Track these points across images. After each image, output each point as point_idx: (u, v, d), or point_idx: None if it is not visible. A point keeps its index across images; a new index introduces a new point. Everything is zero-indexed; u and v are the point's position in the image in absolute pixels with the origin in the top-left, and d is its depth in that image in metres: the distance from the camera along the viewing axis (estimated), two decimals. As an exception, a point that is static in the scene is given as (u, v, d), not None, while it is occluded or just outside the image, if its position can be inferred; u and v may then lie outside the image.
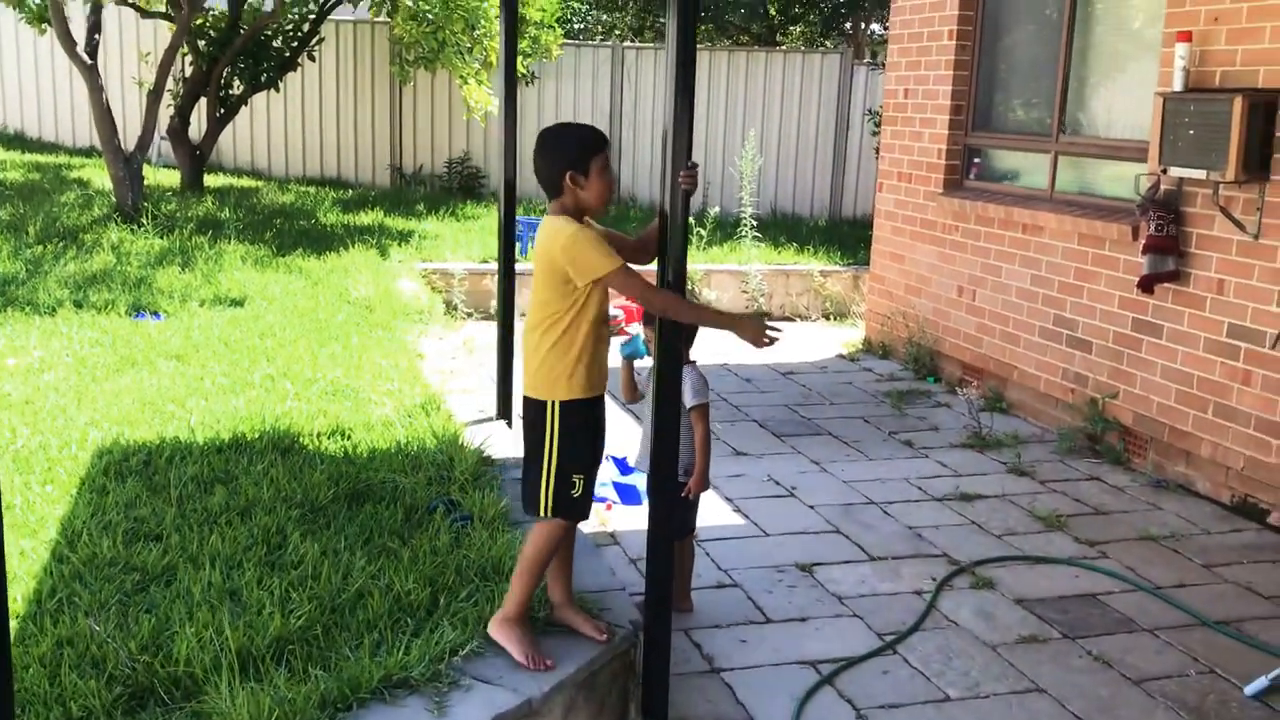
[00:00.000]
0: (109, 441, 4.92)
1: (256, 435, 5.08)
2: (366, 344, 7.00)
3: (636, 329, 3.88)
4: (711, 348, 8.93)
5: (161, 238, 9.31)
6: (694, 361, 4.25)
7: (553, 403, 3.45)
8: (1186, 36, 5.87)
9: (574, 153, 3.40)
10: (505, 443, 5.47)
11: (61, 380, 5.84)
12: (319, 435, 5.18)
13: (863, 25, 16.57)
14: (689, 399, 4.09)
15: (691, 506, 4.32)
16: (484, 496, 4.42)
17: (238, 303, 7.76)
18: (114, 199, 9.97)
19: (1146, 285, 6.16)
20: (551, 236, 3.37)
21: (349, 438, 5.17)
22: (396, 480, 4.59)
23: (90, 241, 8.95)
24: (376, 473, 4.67)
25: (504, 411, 6.03)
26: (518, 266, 9.62)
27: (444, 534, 4.08)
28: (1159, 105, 5.90)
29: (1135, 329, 6.40)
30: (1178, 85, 5.89)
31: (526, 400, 3.54)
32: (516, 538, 4.02)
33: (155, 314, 7.36)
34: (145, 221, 9.50)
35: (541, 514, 3.49)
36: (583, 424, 3.49)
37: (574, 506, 3.50)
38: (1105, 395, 6.59)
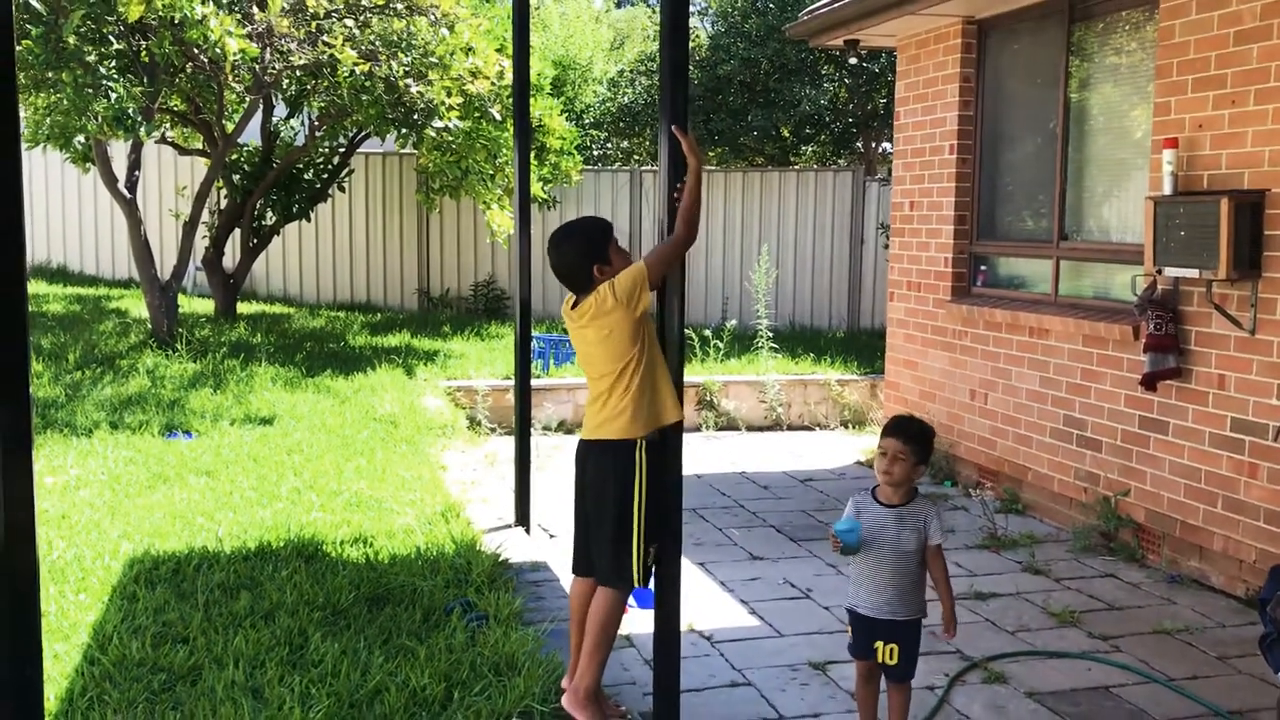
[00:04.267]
0: (140, 552, 5.10)
1: (281, 544, 5.24)
2: (390, 458, 7.19)
3: (849, 520, 3.95)
4: (729, 457, 9.08)
5: (195, 362, 9.63)
6: (929, 497, 4.15)
7: (640, 441, 3.64)
8: (1173, 143, 6.12)
9: (592, 247, 3.75)
10: (522, 547, 5.61)
11: (96, 496, 6.05)
12: (342, 543, 5.34)
13: (873, 143, 17.05)
14: (937, 536, 3.90)
15: (919, 645, 4.08)
16: (499, 597, 4.55)
17: (267, 421, 8.00)
18: (150, 326, 10.34)
19: (1149, 383, 6.29)
20: (595, 297, 3.65)
21: (371, 544, 5.32)
22: (415, 583, 4.72)
23: (126, 367, 9.28)
24: (396, 577, 4.81)
25: (522, 518, 6.18)
26: (536, 382, 9.98)
27: (460, 633, 4.20)
28: (1150, 209, 6.11)
29: (1142, 426, 6.51)
30: (1167, 189, 6.11)
31: (603, 446, 3.69)
32: (529, 635, 4.14)
33: (187, 433, 7.60)
34: (180, 347, 9.84)
35: (636, 582, 3.63)
36: (656, 467, 3.68)
37: (648, 573, 3.68)
38: (1117, 493, 6.66)
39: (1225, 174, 5.89)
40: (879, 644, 3.88)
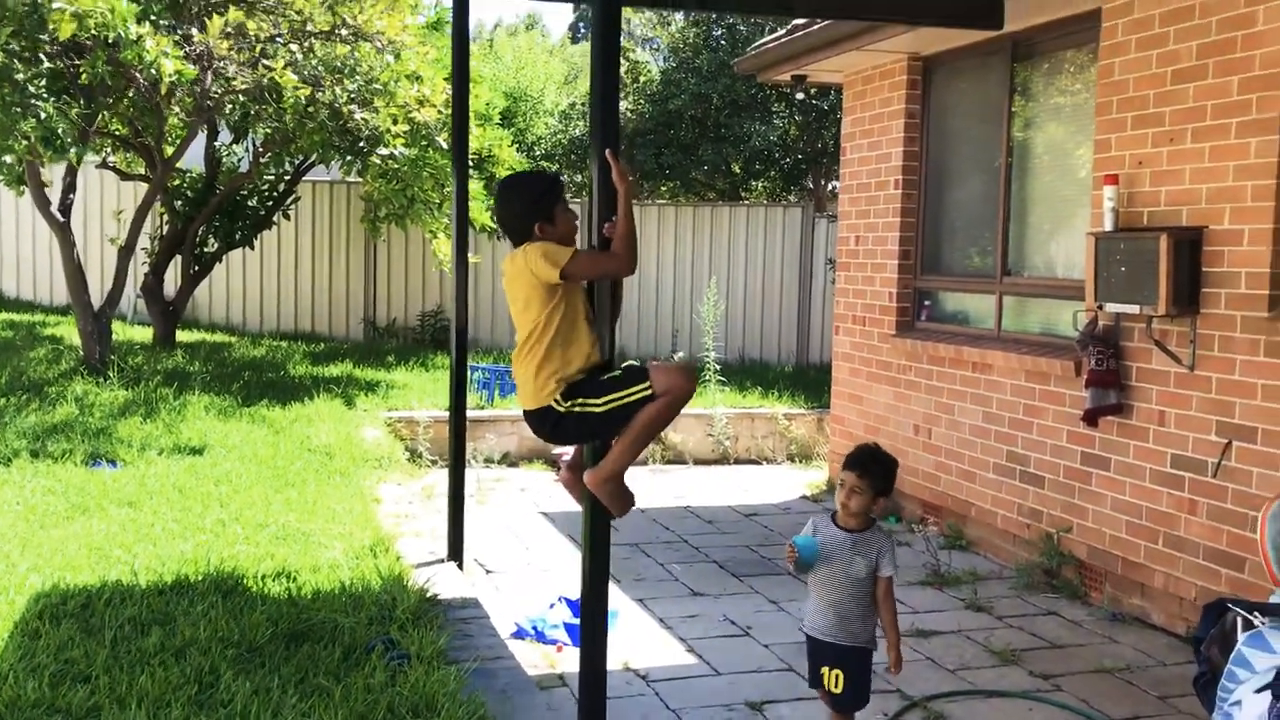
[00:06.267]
0: (48, 586, 4.88)
1: (200, 578, 5.05)
2: (323, 490, 7.00)
3: (807, 537, 3.95)
4: (674, 491, 8.96)
5: (127, 390, 9.37)
6: (885, 529, 4.13)
7: (558, 404, 3.55)
8: (1114, 180, 6.13)
9: (537, 204, 3.66)
10: (453, 583, 5.44)
11: (8, 528, 5.81)
12: (264, 577, 5.15)
13: (823, 180, 17.13)
14: (887, 569, 3.96)
15: (869, 677, 4.08)
16: (423, 635, 4.39)
17: (197, 451, 7.78)
18: (82, 354, 10.07)
19: (1090, 419, 6.26)
20: (521, 255, 3.58)
21: (294, 579, 5.14)
22: (337, 620, 4.55)
23: (54, 394, 9.01)
24: (318, 613, 4.63)
25: (455, 553, 6.01)
26: (479, 413, 9.81)
27: (379, 672, 4.03)
28: (1091, 245, 6.11)
29: (1084, 463, 6.47)
30: (1108, 225, 6.11)
31: (532, 415, 3.63)
32: (451, 674, 3.98)
33: (112, 463, 7.37)
34: (112, 375, 9.58)
35: (653, 393, 3.53)
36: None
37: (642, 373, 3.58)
38: (1060, 529, 6.61)
39: (1165, 210, 5.90)
40: (824, 669, 3.97)
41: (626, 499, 3.69)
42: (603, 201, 3.56)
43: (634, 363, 3.66)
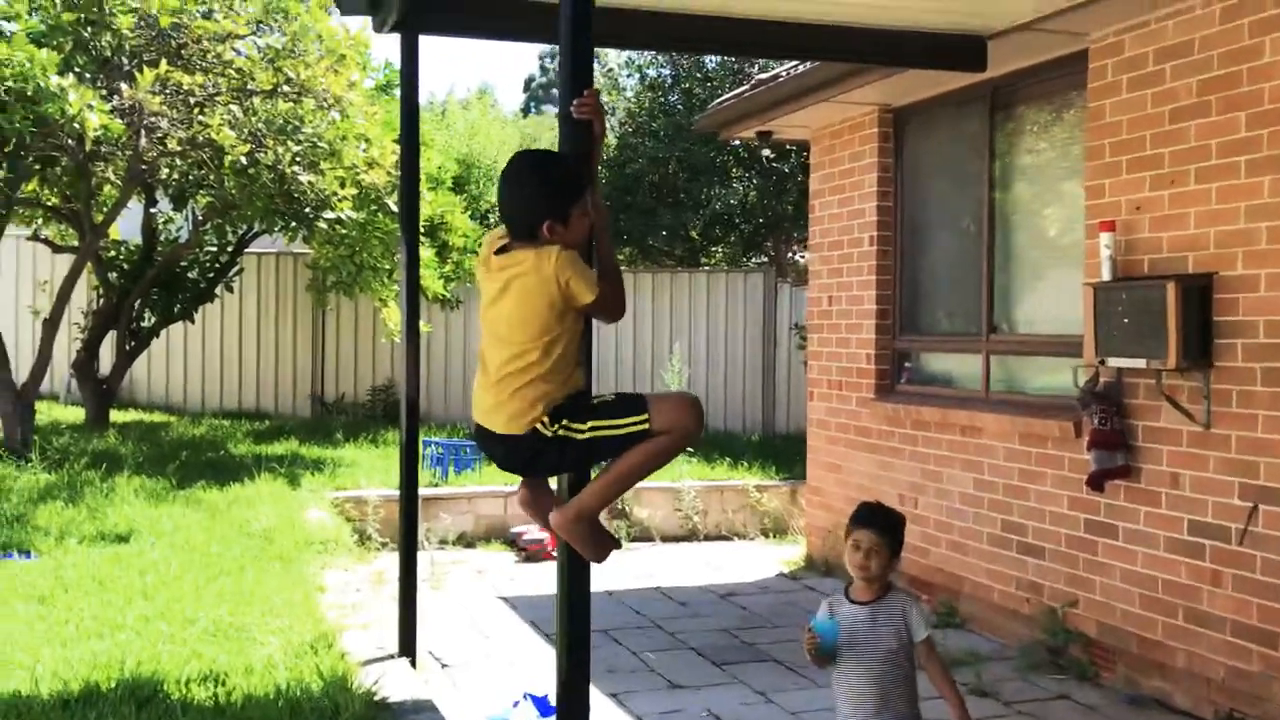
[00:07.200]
0: (-69, 701, 4.22)
1: (113, 685, 4.40)
2: (261, 578, 6.37)
3: (824, 619, 3.56)
4: (644, 570, 8.38)
5: (50, 473, 8.67)
6: (914, 594, 3.81)
7: (545, 424, 2.98)
8: (1110, 226, 5.75)
9: (557, 197, 2.98)
10: (405, 682, 4.84)
11: (-105, 632, 5.12)
12: (188, 681, 4.52)
13: (783, 245, 16.82)
14: (921, 630, 3.60)
15: None
16: (369, 748, 3.78)
17: (123, 538, 7.11)
18: (2, 435, 9.36)
19: (1096, 483, 5.80)
20: (540, 259, 2.92)
21: (223, 683, 4.51)
22: (270, 732, 3.93)
23: (-32, 479, 8.30)
24: (247, 724, 4.01)
25: (407, 648, 5.39)
26: (432, 491, 9.20)
27: (316, 797, 3.42)
28: (1089, 295, 5.71)
29: (1089, 530, 6.00)
30: (1106, 275, 5.72)
31: (513, 441, 3.02)
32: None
33: (26, 553, 6.68)
34: (34, 457, 8.88)
35: (650, 428, 2.98)
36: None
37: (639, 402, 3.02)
38: (1064, 604, 6.12)
39: (1168, 257, 5.52)
40: None
41: (604, 542, 3.08)
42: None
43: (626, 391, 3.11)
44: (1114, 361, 5.59)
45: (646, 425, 2.96)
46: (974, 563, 6.88)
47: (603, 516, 3.11)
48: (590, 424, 2.97)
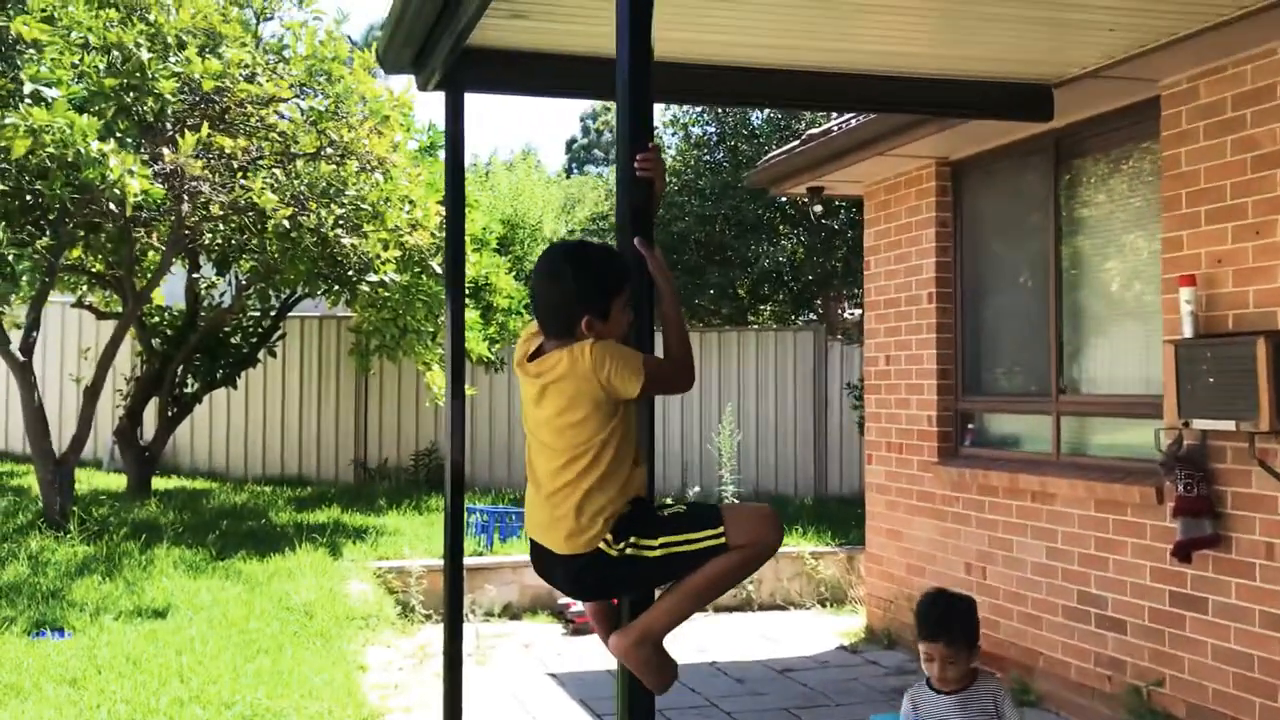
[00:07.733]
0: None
1: (141, 780, 4.15)
2: (301, 656, 6.11)
3: (907, 713, 3.51)
4: (695, 643, 8.03)
5: (88, 544, 8.49)
6: (999, 678, 3.75)
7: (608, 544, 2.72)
8: (1190, 280, 5.43)
9: (597, 291, 2.74)
10: (449, 775, 4.53)
11: (-80, 718, 4.91)
12: (220, 776, 4.25)
13: (833, 302, 16.52)
14: (1014, 716, 3.54)
15: None
16: None
17: (160, 614, 6.89)
18: (41, 505, 9.22)
19: (1183, 553, 5.42)
20: (574, 359, 2.67)
21: (257, 778, 4.24)
22: (304, 836, 3.65)
23: (5, 552, 8.13)
24: (281, 826, 3.73)
25: (452, 733, 5.09)
26: (477, 560, 8.93)
27: None
28: (1170, 353, 5.38)
29: (1174, 604, 5.62)
30: (1188, 331, 5.40)
31: (573, 562, 2.75)
32: None
33: (59, 631, 6.47)
34: (73, 528, 8.71)
35: (727, 543, 2.73)
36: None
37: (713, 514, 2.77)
38: (1149, 683, 5.72)
39: (1255, 313, 5.19)
40: None
41: (666, 669, 2.80)
42: (640, 306, 2.83)
43: (698, 501, 2.84)
44: (1199, 423, 5.24)
45: (723, 540, 2.70)
46: (1049, 637, 6.49)
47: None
48: (661, 540, 2.70)
